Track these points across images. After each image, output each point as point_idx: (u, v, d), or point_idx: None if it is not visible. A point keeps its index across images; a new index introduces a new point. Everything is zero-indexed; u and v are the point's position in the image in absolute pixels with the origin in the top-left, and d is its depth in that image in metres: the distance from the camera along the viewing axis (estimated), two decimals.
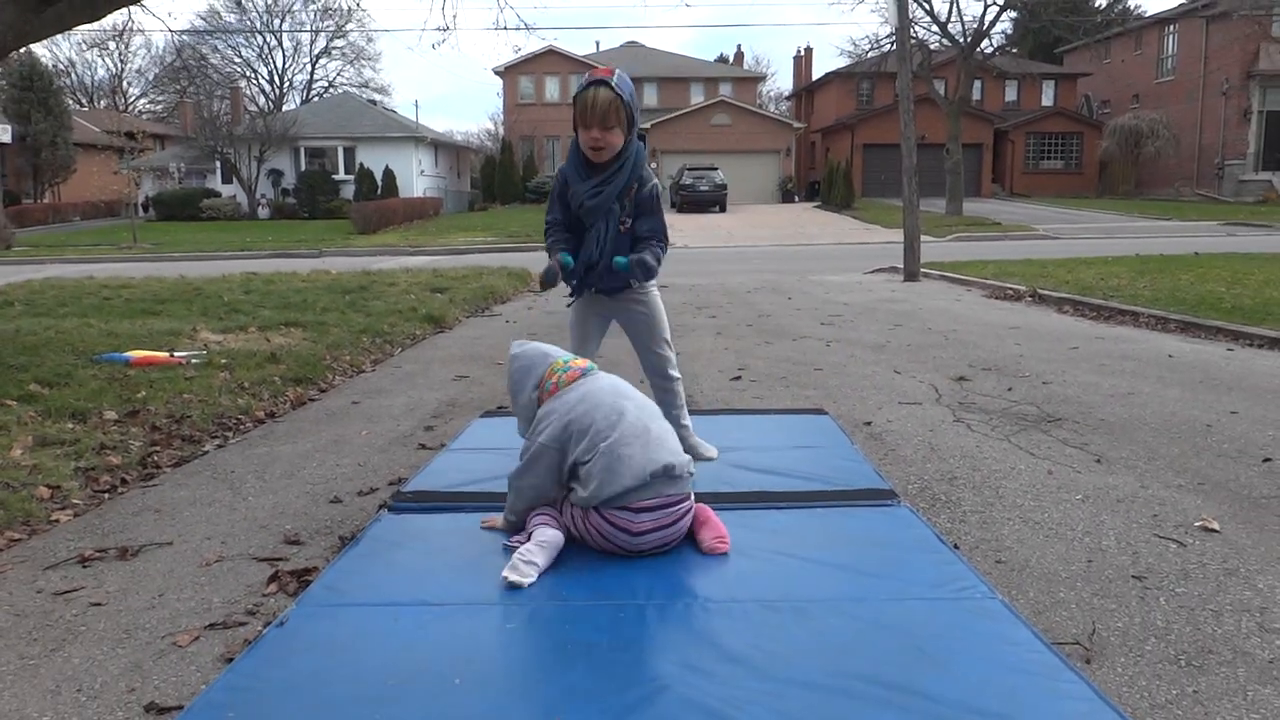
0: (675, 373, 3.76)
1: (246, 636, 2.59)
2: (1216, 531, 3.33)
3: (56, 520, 3.62)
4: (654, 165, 42.32)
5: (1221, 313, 8.54)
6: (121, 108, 55.87)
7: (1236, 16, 33.50)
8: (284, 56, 73.48)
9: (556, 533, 2.66)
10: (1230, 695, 2.24)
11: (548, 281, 3.49)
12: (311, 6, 58.31)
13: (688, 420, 3.79)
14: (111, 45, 55.49)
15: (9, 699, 2.28)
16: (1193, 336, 7.95)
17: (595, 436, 2.63)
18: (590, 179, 3.42)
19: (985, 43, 33.89)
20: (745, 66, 56.27)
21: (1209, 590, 2.84)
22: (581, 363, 2.92)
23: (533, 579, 2.49)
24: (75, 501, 3.82)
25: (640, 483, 2.58)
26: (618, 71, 3.38)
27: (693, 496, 2.76)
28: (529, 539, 2.64)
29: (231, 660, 2.38)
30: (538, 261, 17.77)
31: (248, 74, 59.04)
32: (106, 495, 3.97)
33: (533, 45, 42.79)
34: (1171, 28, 40.19)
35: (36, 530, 3.52)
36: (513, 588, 2.46)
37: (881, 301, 11.02)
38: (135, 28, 48.48)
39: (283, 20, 58.60)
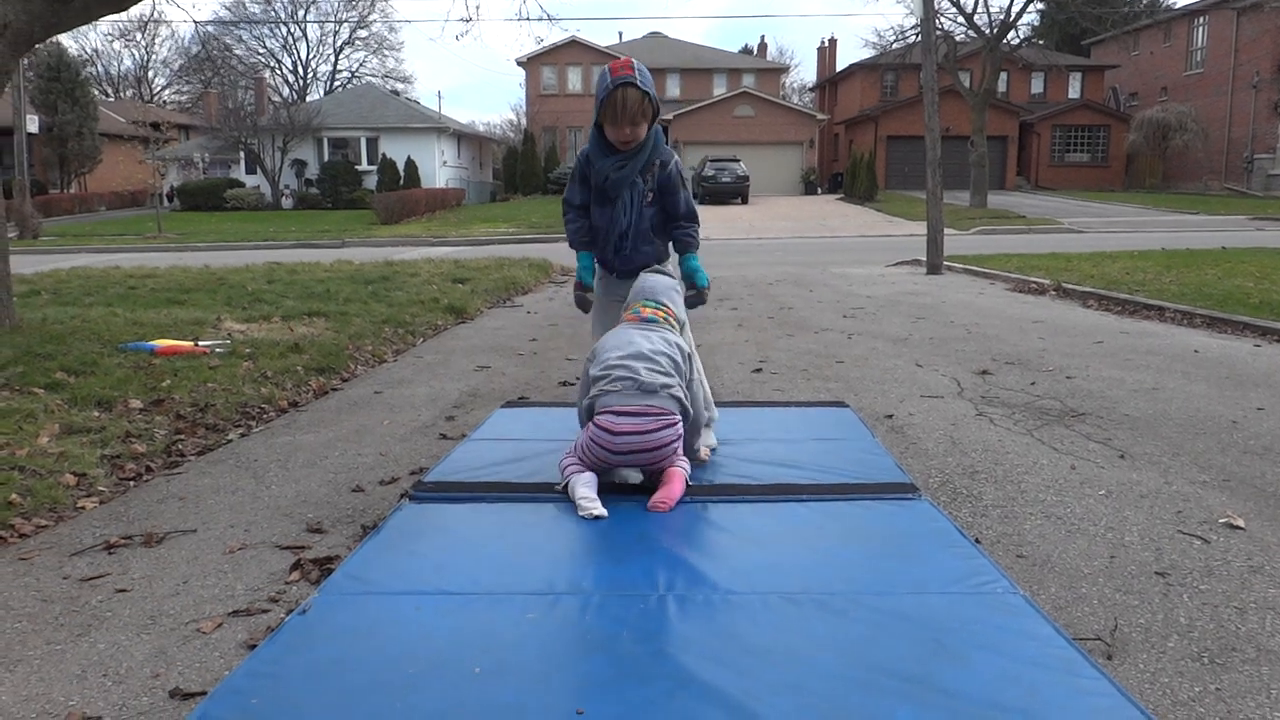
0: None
1: (269, 624, 2.61)
2: (1241, 528, 3.30)
3: (83, 507, 3.66)
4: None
5: (1249, 308, 8.45)
6: (147, 98, 56.21)
7: (1268, 8, 33.08)
8: (308, 47, 73.84)
9: (587, 473, 3.17)
10: (1254, 693, 2.22)
11: (582, 304, 3.82)
12: None
13: (709, 415, 3.75)
14: (137, 36, 55.95)
15: (36, 683, 2.31)
16: (1219, 332, 7.87)
17: (602, 354, 3.26)
18: (614, 155, 3.56)
19: (1012, 34, 33.64)
20: (769, 58, 56.04)
21: (1233, 587, 2.81)
22: (646, 311, 3.42)
23: (601, 508, 3.01)
24: (101, 489, 3.86)
25: (603, 369, 3.19)
26: (636, 65, 3.48)
27: (679, 422, 3.18)
28: (567, 489, 3.16)
29: (254, 647, 2.40)
30: (559, 253, 17.78)
31: (272, 64, 59.34)
32: (132, 483, 4.01)
33: (555, 36, 42.84)
34: (1201, 19, 39.71)
35: (63, 517, 3.56)
36: (599, 519, 2.97)
37: (904, 294, 10.97)
38: (160, 18, 48.76)
39: (307, 10, 58.88)
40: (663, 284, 3.55)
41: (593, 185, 3.64)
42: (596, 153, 3.60)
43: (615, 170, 3.55)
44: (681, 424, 3.21)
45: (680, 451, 3.26)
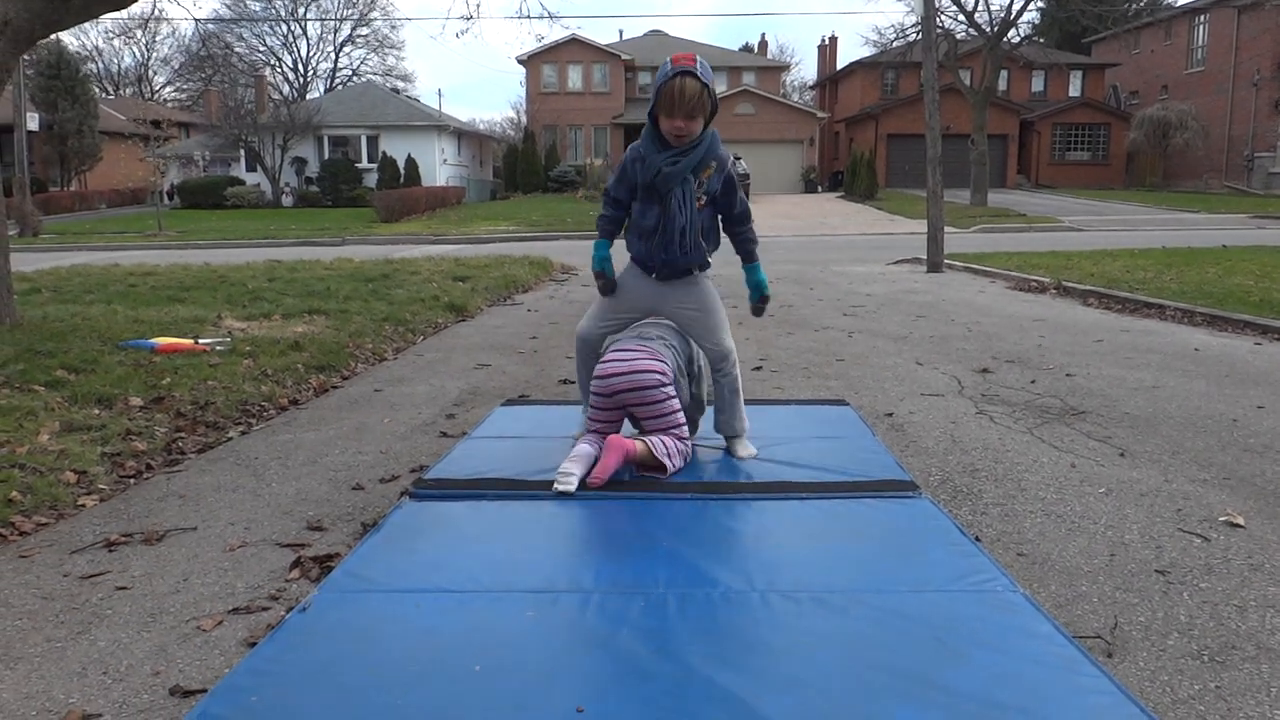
0: (729, 366, 3.73)
1: (269, 621, 2.61)
2: (1241, 526, 3.30)
3: (83, 505, 3.66)
4: None
5: (1249, 306, 8.44)
6: (147, 96, 56.22)
7: (1269, 6, 33.06)
8: (308, 45, 73.78)
9: (587, 448, 3.36)
10: (1254, 691, 2.22)
11: (605, 290, 3.76)
12: None
13: (741, 425, 3.74)
14: (138, 33, 55.89)
15: (36, 680, 2.31)
16: (1219, 330, 7.87)
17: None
18: (668, 151, 3.46)
19: (1012, 32, 33.62)
20: (769, 56, 55.99)
21: (1233, 585, 2.81)
22: None
23: (570, 483, 3.19)
24: (101, 486, 3.86)
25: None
26: (699, 59, 3.38)
27: (665, 366, 3.42)
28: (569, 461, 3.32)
29: (255, 645, 2.40)
30: (560, 251, 17.83)
31: (272, 62, 59.31)
32: (132, 481, 4.01)
33: (556, 34, 42.63)
34: (1202, 18, 39.67)
35: (63, 515, 3.56)
36: (561, 495, 3.16)
37: (904, 293, 10.97)
38: (161, 16, 48.79)
39: (307, 8, 58.86)
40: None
41: (640, 183, 3.53)
42: (649, 147, 3.50)
43: (669, 165, 3.45)
44: (669, 372, 3.43)
45: (676, 423, 3.43)
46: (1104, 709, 1.88)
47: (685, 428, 3.49)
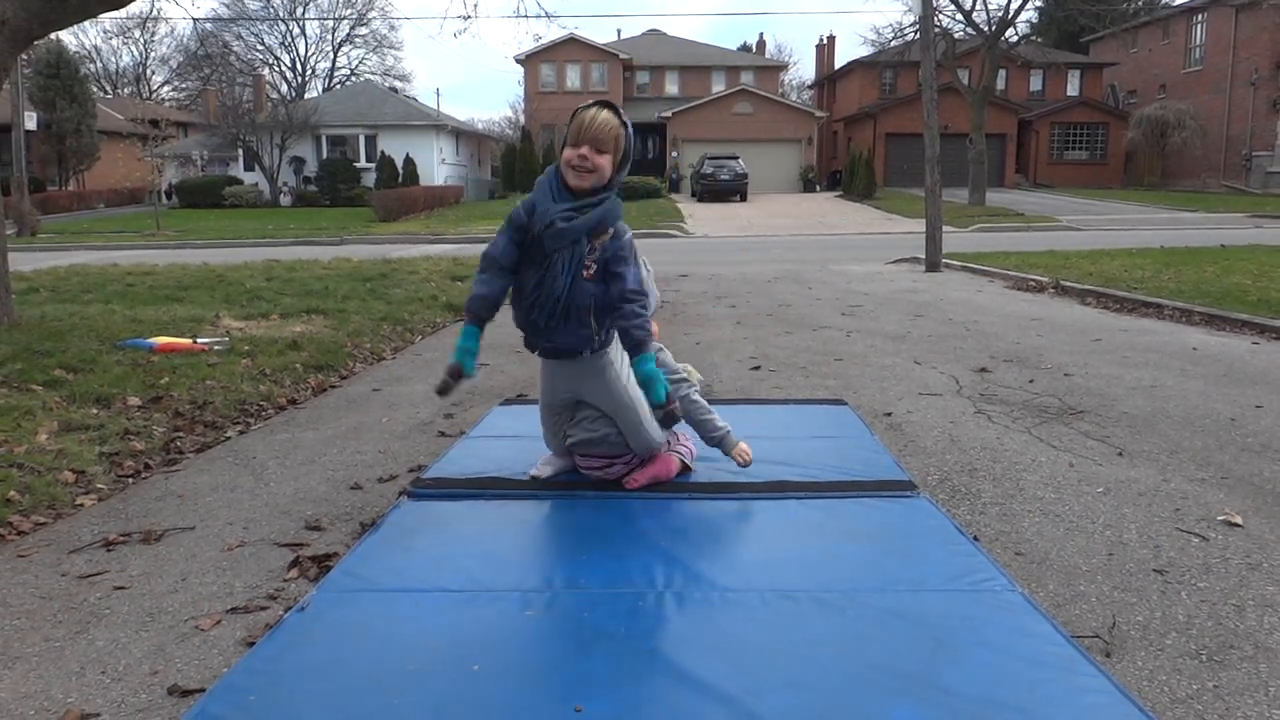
0: (667, 440, 3.44)
1: (268, 621, 2.61)
2: (1239, 526, 3.31)
3: (81, 504, 3.65)
4: (675, 154, 42.23)
5: (1247, 305, 8.45)
6: (145, 95, 56.19)
7: (1266, 5, 33.08)
8: (307, 44, 73.84)
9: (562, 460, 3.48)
10: (1252, 690, 2.22)
11: (443, 391, 3.06)
12: None
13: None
14: (136, 33, 55.88)
15: (35, 680, 2.31)
16: (1218, 329, 7.87)
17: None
18: (566, 202, 3.04)
19: (1010, 31, 33.65)
20: (767, 55, 56.00)
21: (1231, 585, 2.81)
22: None
23: (544, 470, 3.41)
24: (99, 486, 3.86)
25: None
26: (621, 107, 3.15)
27: (621, 468, 3.38)
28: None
29: (253, 644, 2.40)
30: None
31: (270, 61, 59.33)
32: (130, 480, 4.00)
33: (554, 33, 42.63)
34: (1200, 17, 39.69)
35: (61, 514, 3.55)
36: (534, 479, 3.38)
37: (903, 292, 10.97)
38: (159, 15, 48.73)
39: (305, 8, 58.84)
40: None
41: (529, 241, 3.07)
42: (545, 197, 3.06)
43: (563, 218, 2.99)
44: (632, 458, 3.37)
45: (661, 452, 3.44)
46: (1102, 708, 1.88)
47: (674, 451, 3.52)
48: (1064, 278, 11.24)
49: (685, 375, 3.46)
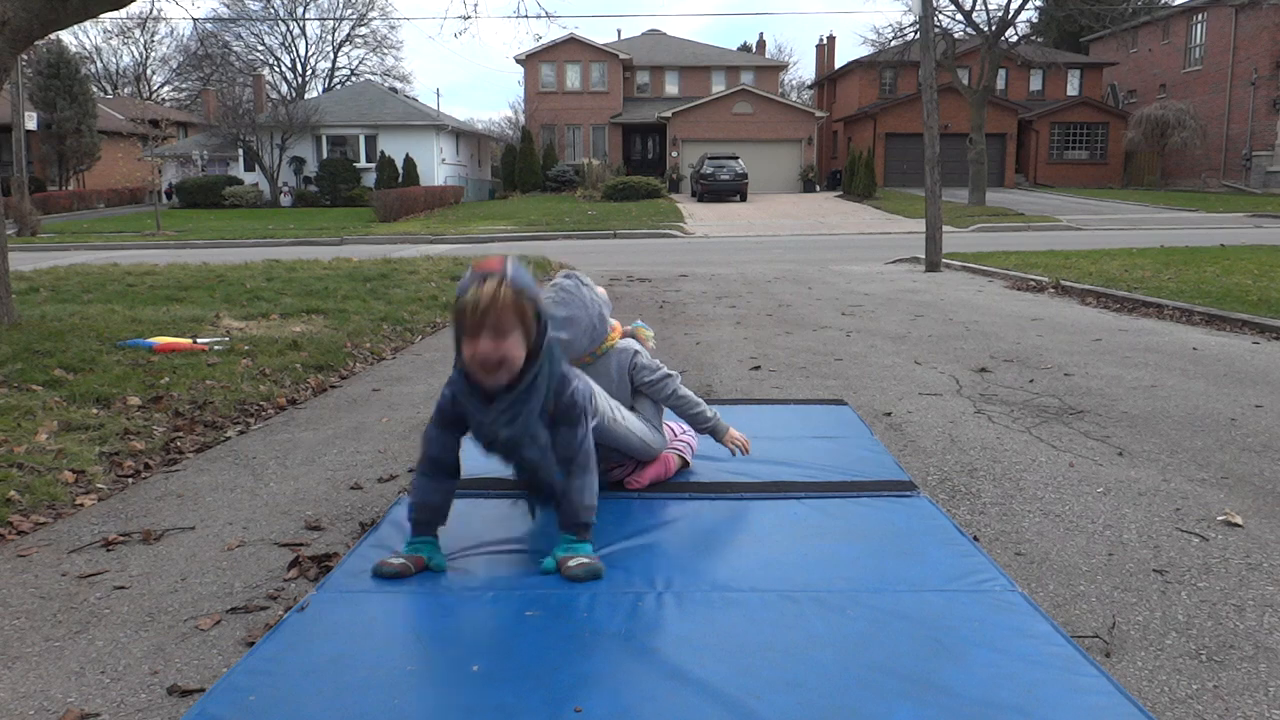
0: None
1: (268, 621, 2.61)
2: (1239, 526, 3.30)
3: (81, 504, 3.65)
4: (675, 154, 42.23)
5: (1248, 305, 8.45)
6: (145, 95, 56.20)
7: (1266, 5, 33.08)
8: (307, 44, 73.85)
9: None
10: (1252, 690, 2.22)
11: (381, 575, 2.55)
12: None
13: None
14: (136, 33, 55.88)
15: (34, 680, 2.31)
16: (1218, 329, 7.87)
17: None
18: (493, 404, 2.55)
19: (1010, 31, 33.64)
20: (767, 55, 56.01)
21: (1231, 585, 2.81)
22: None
23: None
24: (99, 486, 3.86)
25: None
26: (509, 260, 2.51)
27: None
28: None
29: (253, 644, 2.40)
30: (558, 250, 17.75)
31: (270, 62, 59.36)
32: (130, 480, 4.00)
33: (554, 33, 42.65)
34: (1200, 17, 39.70)
35: (61, 514, 3.55)
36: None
37: (903, 292, 10.97)
38: (159, 15, 48.71)
39: (306, 8, 58.86)
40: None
41: (477, 439, 2.67)
42: (467, 399, 2.58)
43: (503, 425, 2.54)
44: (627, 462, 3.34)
45: (661, 455, 3.42)
46: (1102, 709, 1.88)
47: (672, 449, 3.53)
48: (1064, 278, 11.24)
49: (670, 373, 3.43)
